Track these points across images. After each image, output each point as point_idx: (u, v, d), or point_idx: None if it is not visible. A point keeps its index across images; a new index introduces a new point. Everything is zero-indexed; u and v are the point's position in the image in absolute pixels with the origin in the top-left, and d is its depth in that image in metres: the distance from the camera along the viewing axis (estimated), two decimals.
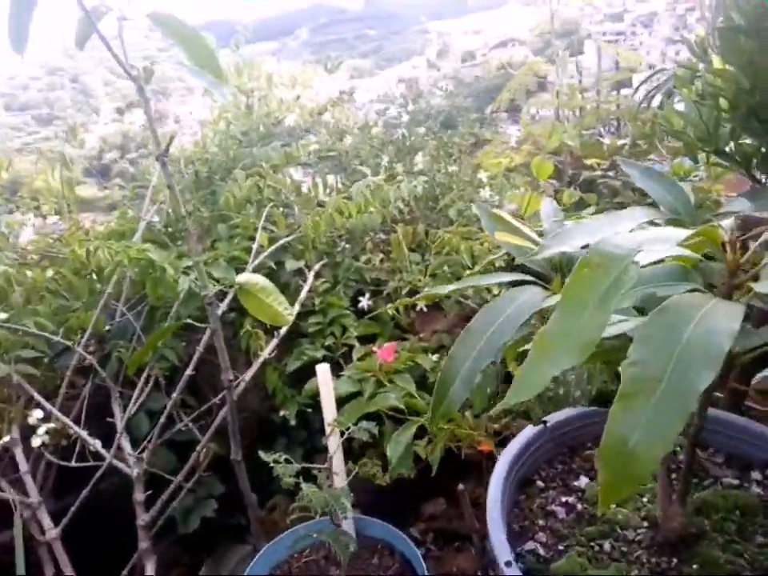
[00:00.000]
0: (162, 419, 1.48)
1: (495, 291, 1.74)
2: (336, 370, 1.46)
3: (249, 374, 1.55)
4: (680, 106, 1.12)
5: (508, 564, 0.73)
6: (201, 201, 1.87)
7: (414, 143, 2.02)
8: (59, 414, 1.44)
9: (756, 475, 0.97)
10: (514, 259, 1.74)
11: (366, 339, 1.76)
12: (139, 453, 1.47)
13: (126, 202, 1.80)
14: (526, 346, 0.85)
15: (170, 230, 1.86)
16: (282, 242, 1.78)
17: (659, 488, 0.82)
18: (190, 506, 1.61)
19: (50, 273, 1.54)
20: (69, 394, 1.57)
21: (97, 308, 1.55)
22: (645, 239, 0.57)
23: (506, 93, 2.26)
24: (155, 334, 1.45)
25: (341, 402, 1.47)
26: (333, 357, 1.71)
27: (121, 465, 1.45)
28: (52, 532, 1.39)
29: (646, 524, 0.87)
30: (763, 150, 1.01)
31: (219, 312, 1.34)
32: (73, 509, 1.42)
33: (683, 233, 0.58)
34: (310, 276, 1.80)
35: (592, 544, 0.84)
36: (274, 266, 1.77)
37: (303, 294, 1.74)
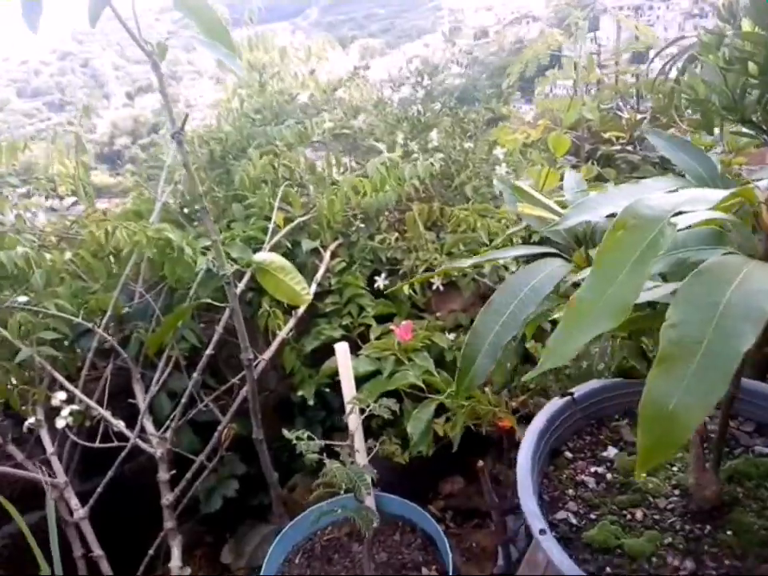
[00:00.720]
0: (184, 399, 1.49)
1: (513, 269, 1.72)
2: (353, 350, 1.46)
3: (268, 353, 1.55)
4: None
5: (542, 532, 0.73)
6: (215, 181, 1.86)
7: (428, 120, 1.98)
8: (82, 396, 1.45)
9: None
10: (531, 236, 1.73)
11: (383, 319, 1.75)
12: (162, 433, 1.49)
13: (141, 182, 1.79)
14: (555, 316, 0.84)
15: (185, 210, 1.86)
16: (297, 221, 1.77)
17: (692, 456, 0.81)
18: (212, 485, 1.64)
19: (68, 255, 1.55)
20: (90, 375, 1.58)
21: (116, 289, 1.56)
22: (681, 200, 0.55)
23: (518, 64, 2.20)
24: (174, 315, 1.45)
25: (359, 381, 1.47)
26: (350, 336, 1.71)
27: (144, 445, 1.46)
28: (80, 512, 1.41)
29: (677, 492, 0.86)
30: None
31: (237, 291, 1.33)
32: (99, 489, 1.44)
33: (720, 193, 0.56)
34: (326, 256, 1.79)
35: (624, 512, 0.84)
36: (290, 246, 1.76)
37: (320, 273, 1.74)
